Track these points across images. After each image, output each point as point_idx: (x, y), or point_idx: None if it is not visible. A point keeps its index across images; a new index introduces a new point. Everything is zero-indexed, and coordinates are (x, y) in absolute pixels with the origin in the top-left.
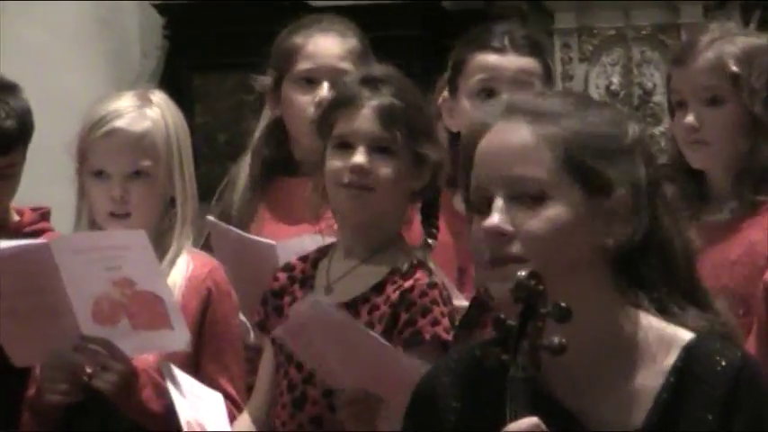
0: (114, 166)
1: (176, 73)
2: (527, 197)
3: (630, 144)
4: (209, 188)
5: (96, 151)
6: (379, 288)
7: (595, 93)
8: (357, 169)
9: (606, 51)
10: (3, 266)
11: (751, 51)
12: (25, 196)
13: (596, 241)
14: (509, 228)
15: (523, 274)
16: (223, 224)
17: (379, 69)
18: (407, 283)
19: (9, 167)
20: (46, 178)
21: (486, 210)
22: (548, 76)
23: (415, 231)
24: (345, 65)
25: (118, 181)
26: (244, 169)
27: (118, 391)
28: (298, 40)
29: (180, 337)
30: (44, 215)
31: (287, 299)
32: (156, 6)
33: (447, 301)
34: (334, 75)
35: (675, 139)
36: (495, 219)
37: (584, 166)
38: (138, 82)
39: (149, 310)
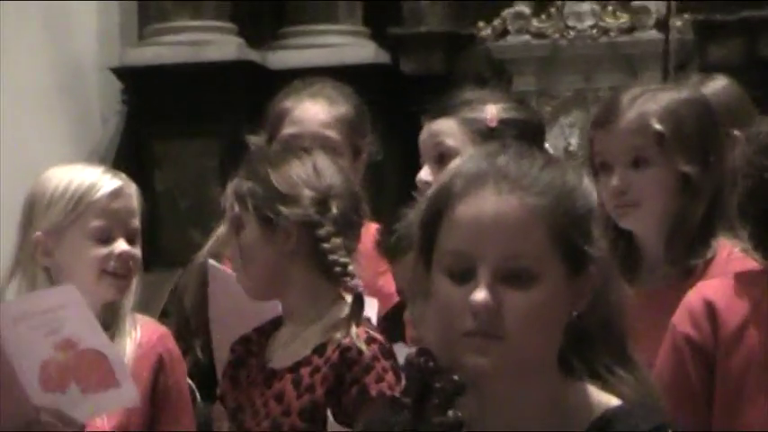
0: (121, 225)
1: (136, 138)
2: (515, 275)
3: (596, 215)
4: (169, 254)
5: (100, 211)
6: (320, 350)
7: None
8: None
9: (564, 113)
10: None
11: (674, 107)
12: None
13: (566, 318)
14: (498, 305)
15: (413, 351)
16: (225, 269)
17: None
18: (346, 341)
19: None
20: (4, 244)
21: (466, 278)
22: (470, 129)
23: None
24: (331, 132)
25: (123, 240)
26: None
27: None
28: (288, 103)
29: (127, 393)
30: None
31: (243, 372)
32: (114, 71)
33: (388, 354)
34: (319, 141)
35: (602, 201)
36: (483, 294)
37: (569, 244)
38: (98, 148)
39: (96, 369)
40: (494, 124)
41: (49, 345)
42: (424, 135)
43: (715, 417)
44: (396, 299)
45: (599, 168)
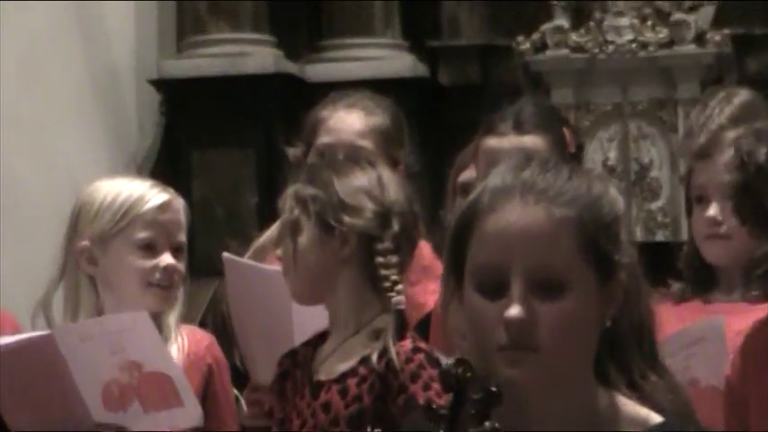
0: (167, 237)
1: (174, 148)
2: (546, 286)
3: (623, 222)
4: (206, 263)
5: (148, 223)
6: (366, 360)
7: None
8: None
9: (603, 126)
10: (9, 361)
11: None
12: (24, 268)
13: (600, 326)
14: (531, 318)
15: (449, 362)
16: (241, 260)
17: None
18: (391, 351)
19: None
20: (43, 249)
21: (497, 292)
22: (559, 149)
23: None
24: (365, 142)
25: (168, 252)
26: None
27: None
28: (324, 113)
29: (192, 413)
30: None
31: (289, 384)
32: (152, 83)
33: (434, 363)
34: (352, 151)
35: (692, 233)
36: (518, 309)
37: (598, 252)
38: (135, 157)
39: (159, 389)
40: (573, 150)
41: (114, 365)
42: (502, 145)
43: None
44: (426, 309)
45: (695, 201)
